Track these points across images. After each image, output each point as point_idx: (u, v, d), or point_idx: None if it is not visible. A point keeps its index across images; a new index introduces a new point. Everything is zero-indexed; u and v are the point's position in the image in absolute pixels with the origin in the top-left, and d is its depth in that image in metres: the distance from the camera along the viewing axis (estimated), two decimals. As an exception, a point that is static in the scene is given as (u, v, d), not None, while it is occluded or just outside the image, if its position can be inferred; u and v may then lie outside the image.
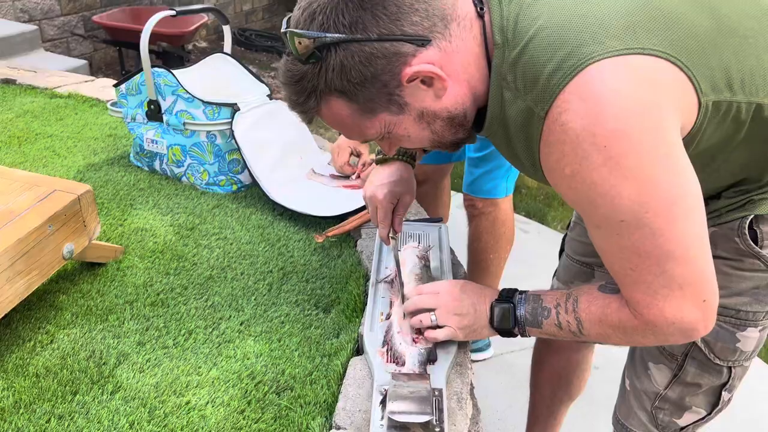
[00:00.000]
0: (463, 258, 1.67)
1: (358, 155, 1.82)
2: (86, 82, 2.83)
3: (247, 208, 1.74)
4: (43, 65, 3.40)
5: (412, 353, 1.05)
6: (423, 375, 1.01)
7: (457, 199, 2.56)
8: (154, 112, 1.82)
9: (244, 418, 1.03)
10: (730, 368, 1.00)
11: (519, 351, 2.23)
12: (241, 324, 1.26)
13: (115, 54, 5.15)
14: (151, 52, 1.74)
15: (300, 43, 0.79)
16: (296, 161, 1.88)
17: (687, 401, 1.05)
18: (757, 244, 0.91)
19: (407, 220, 1.52)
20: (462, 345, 1.11)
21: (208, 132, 1.77)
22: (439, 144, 0.92)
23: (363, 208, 1.60)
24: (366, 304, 1.21)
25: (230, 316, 1.28)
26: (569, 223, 1.38)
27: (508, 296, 1.00)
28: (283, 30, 0.82)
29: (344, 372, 1.09)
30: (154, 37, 1.76)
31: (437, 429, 0.91)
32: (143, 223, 1.62)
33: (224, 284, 1.39)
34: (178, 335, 1.22)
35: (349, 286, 1.36)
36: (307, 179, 1.85)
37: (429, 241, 1.40)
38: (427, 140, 0.90)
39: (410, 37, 0.78)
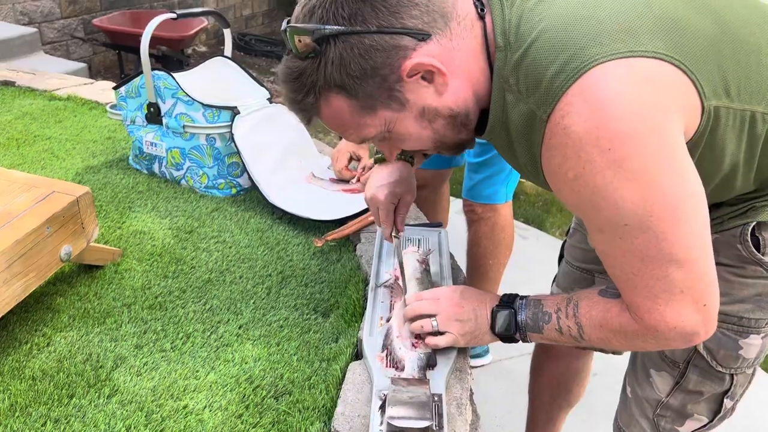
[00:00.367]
0: (462, 263, 1.66)
1: (358, 159, 1.82)
2: (85, 84, 2.83)
3: (246, 211, 1.73)
4: (43, 68, 3.40)
5: (411, 358, 1.04)
6: (422, 380, 1.00)
7: (455, 205, 2.56)
8: (154, 115, 1.81)
9: (242, 423, 1.03)
10: (732, 375, 0.99)
11: (518, 357, 2.22)
12: (239, 328, 1.25)
13: (114, 57, 5.15)
14: (150, 55, 1.73)
15: (300, 41, 0.79)
16: (296, 165, 1.88)
17: (689, 408, 1.04)
18: (759, 251, 0.90)
19: (407, 225, 1.52)
20: (461, 350, 1.11)
21: (208, 135, 1.77)
22: (441, 145, 0.92)
23: (363, 212, 1.59)
24: (365, 309, 1.21)
25: (228, 320, 1.28)
26: (568, 230, 1.38)
27: (508, 301, 0.99)
28: (283, 28, 0.82)
29: (343, 377, 1.09)
30: (154, 40, 1.76)
31: (437, 435, 0.91)
32: (141, 226, 1.61)
33: (223, 288, 1.39)
34: (176, 339, 1.21)
35: (348, 291, 1.36)
36: (307, 183, 1.85)
37: (429, 246, 1.39)
38: (428, 140, 0.90)
39: (410, 30, 0.78)
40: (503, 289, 1.47)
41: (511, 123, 0.83)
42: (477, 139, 0.95)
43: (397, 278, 1.24)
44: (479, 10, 0.83)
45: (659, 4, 0.77)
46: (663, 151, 0.73)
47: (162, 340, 1.21)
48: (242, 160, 1.74)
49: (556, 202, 3.57)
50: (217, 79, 1.93)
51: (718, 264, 0.81)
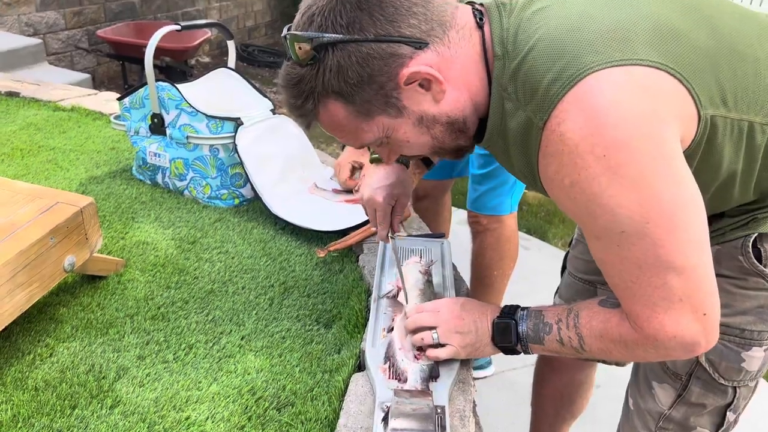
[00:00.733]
0: (465, 274, 1.66)
1: (360, 167, 1.82)
2: (89, 95, 2.84)
3: (249, 222, 1.74)
4: (47, 78, 3.42)
5: (414, 370, 1.04)
6: (425, 392, 1.00)
7: (458, 215, 2.56)
8: (158, 126, 1.82)
9: (244, 434, 1.02)
10: (735, 388, 0.99)
11: (521, 368, 2.22)
12: (241, 339, 1.25)
13: (118, 68, 5.19)
14: (153, 66, 1.74)
15: (300, 48, 0.80)
16: (299, 175, 1.88)
17: (691, 421, 1.04)
18: (761, 263, 0.90)
19: (410, 236, 1.52)
20: (464, 362, 1.10)
21: (211, 146, 1.78)
22: (440, 150, 0.92)
23: (365, 222, 1.60)
24: (368, 320, 1.21)
25: (231, 331, 1.28)
26: (571, 241, 1.38)
27: (509, 313, 0.99)
28: (283, 35, 0.83)
29: (346, 388, 1.09)
30: (158, 51, 1.77)
31: (440, 447, 0.90)
32: (145, 237, 1.62)
33: (225, 298, 1.39)
34: (179, 349, 1.21)
35: (350, 302, 1.36)
36: (310, 193, 1.85)
37: (431, 257, 1.39)
38: (427, 146, 0.90)
39: (407, 38, 0.79)
40: (506, 300, 1.47)
41: (509, 131, 0.84)
42: (480, 151, 0.95)
43: (399, 289, 1.24)
44: (478, 19, 0.85)
45: (656, 16, 0.78)
46: (658, 158, 0.73)
47: (164, 350, 1.21)
48: (245, 171, 1.74)
49: (559, 212, 3.57)
50: (221, 90, 1.94)
51: (719, 275, 0.81)
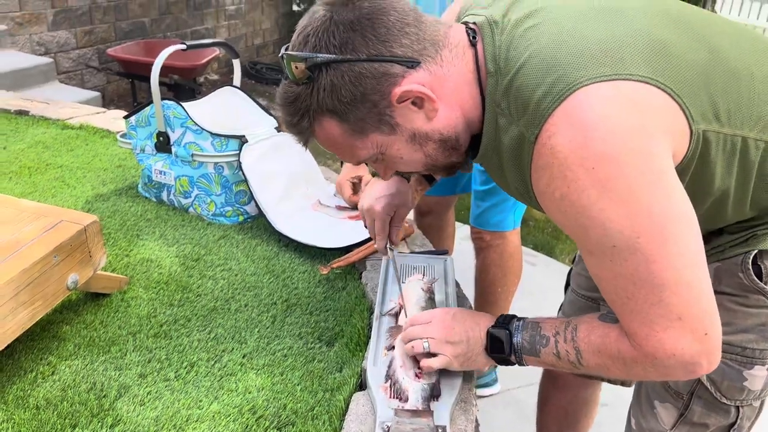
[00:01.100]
0: (468, 291, 1.66)
1: (360, 181, 1.82)
2: (97, 113, 2.87)
3: (253, 239, 1.74)
4: (57, 97, 3.46)
5: (415, 389, 1.03)
6: (426, 411, 1.00)
7: (462, 232, 2.55)
8: (163, 144, 1.84)
9: (243, 454, 1.02)
10: (738, 408, 0.97)
11: (526, 387, 2.20)
12: (243, 357, 1.25)
13: (127, 86, 5.25)
14: (162, 84, 1.77)
15: (297, 67, 0.82)
16: (302, 193, 1.89)
17: (695, 441, 1.02)
18: (761, 280, 0.90)
19: (412, 252, 1.52)
20: (466, 380, 1.10)
21: (216, 163, 1.79)
22: (433, 167, 0.94)
23: (368, 239, 1.60)
24: (370, 338, 1.20)
25: (233, 349, 1.28)
26: (575, 257, 1.37)
27: (504, 323, 0.97)
28: (280, 54, 0.86)
29: (347, 407, 1.08)
30: (166, 69, 1.79)
31: (439, 467, 0.90)
32: (149, 254, 1.63)
33: (228, 316, 1.39)
34: (180, 367, 1.21)
35: (353, 319, 1.36)
36: (313, 210, 1.86)
37: (434, 274, 1.39)
38: (420, 163, 0.92)
39: (399, 58, 0.81)
40: (509, 317, 1.46)
41: (503, 146, 0.85)
42: (481, 167, 0.96)
43: (401, 306, 1.24)
44: (471, 38, 0.86)
45: (648, 32, 0.79)
46: (647, 173, 0.73)
47: (166, 369, 1.21)
48: (250, 188, 1.75)
49: (565, 228, 3.55)
50: (226, 108, 1.96)
51: (720, 293, 0.81)
